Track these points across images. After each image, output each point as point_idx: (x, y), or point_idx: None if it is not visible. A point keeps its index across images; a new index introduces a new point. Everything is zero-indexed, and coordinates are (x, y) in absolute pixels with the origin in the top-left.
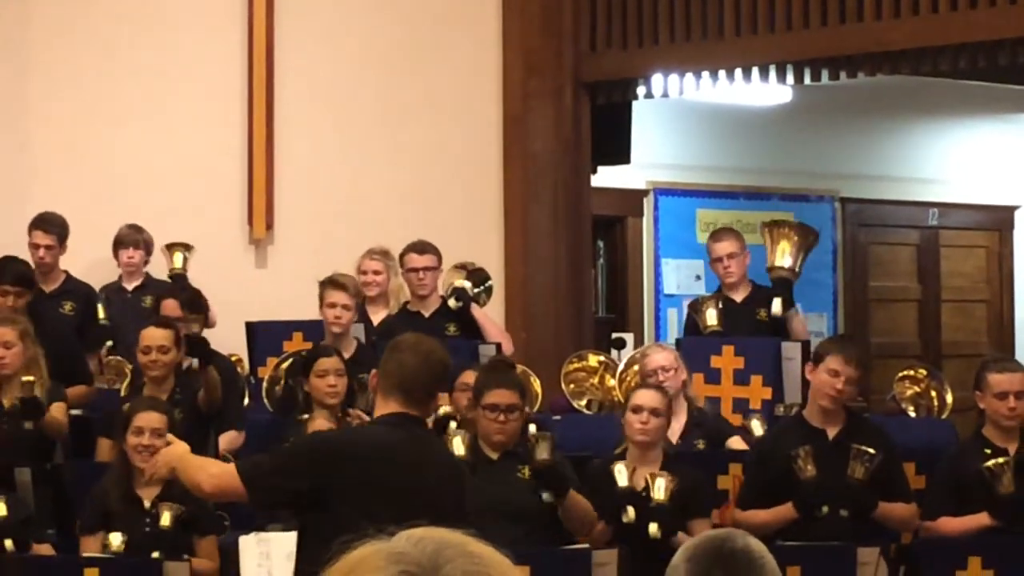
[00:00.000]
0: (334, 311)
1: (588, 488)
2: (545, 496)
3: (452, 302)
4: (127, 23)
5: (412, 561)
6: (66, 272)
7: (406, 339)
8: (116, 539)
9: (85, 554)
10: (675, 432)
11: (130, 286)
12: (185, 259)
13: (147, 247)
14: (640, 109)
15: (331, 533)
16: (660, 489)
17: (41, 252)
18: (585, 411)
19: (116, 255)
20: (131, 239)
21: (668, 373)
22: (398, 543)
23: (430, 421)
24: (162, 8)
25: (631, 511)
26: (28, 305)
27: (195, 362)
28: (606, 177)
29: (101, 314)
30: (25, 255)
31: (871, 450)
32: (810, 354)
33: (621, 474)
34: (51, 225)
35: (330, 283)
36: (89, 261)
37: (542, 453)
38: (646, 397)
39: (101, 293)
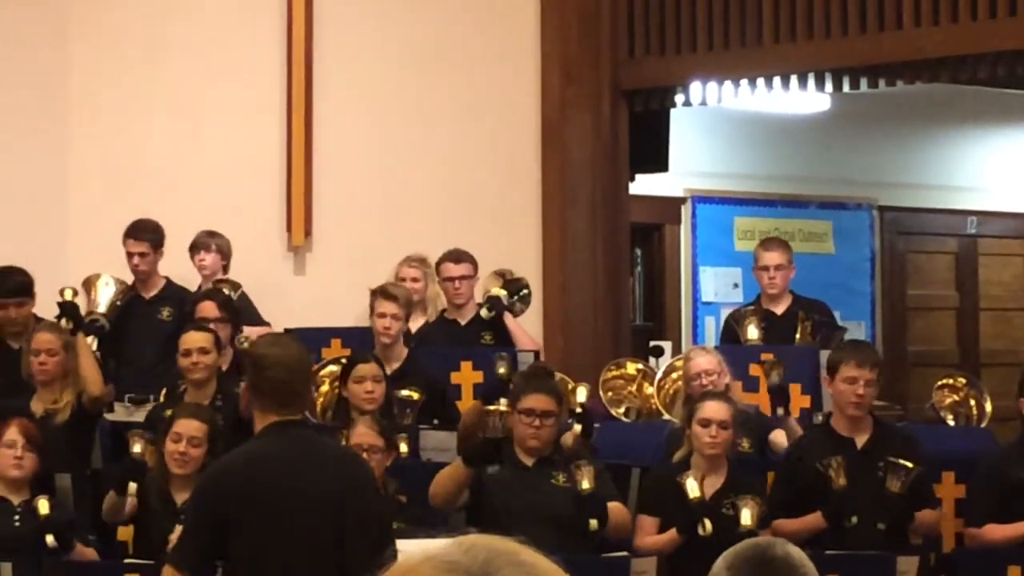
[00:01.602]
0: (383, 321)
1: (651, 498)
2: (592, 524)
3: (484, 311)
4: (166, 29)
5: (463, 569)
6: (166, 278)
7: (268, 355)
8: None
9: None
10: None
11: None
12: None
13: (220, 251)
14: (678, 116)
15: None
16: (749, 517)
17: (136, 260)
18: (623, 419)
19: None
20: (203, 243)
21: (711, 377)
22: (449, 551)
23: None
24: (201, 14)
25: (708, 524)
26: (124, 310)
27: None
28: (644, 185)
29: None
30: (65, 258)
31: (908, 464)
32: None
33: (693, 486)
34: (143, 232)
35: (381, 293)
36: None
37: (585, 482)
38: (714, 410)
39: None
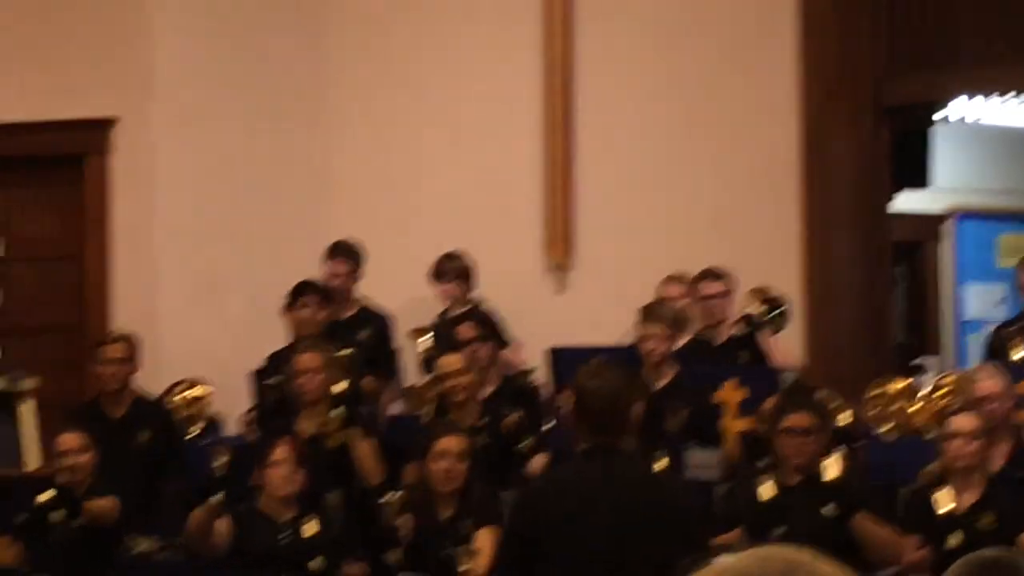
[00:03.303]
0: (650, 341)
1: (909, 515)
2: (828, 510)
3: (739, 329)
4: (423, 51)
5: None
6: (361, 300)
7: (588, 385)
8: (395, 554)
9: None
10: (999, 457)
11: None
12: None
13: (459, 275)
14: (940, 132)
15: None
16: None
17: (337, 279)
18: (887, 437)
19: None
20: (441, 272)
21: (994, 404)
22: (746, 563)
23: None
24: (458, 34)
25: (956, 538)
26: (324, 332)
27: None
28: (906, 202)
29: (427, 344)
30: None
31: None
32: None
33: (943, 500)
34: (346, 252)
35: (644, 314)
36: (388, 288)
37: (832, 471)
38: (962, 422)
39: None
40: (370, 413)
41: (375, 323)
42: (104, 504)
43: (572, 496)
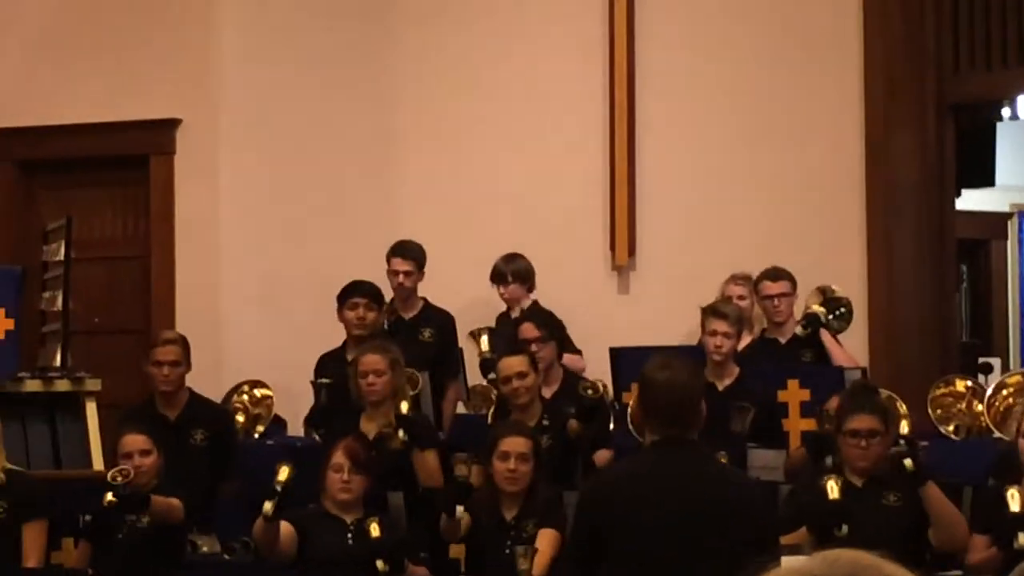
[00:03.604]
0: (715, 339)
1: (980, 514)
2: (907, 463)
3: (799, 329)
4: (489, 53)
5: None
6: (424, 299)
7: (658, 378)
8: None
9: None
10: None
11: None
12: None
13: (519, 277)
14: (1004, 130)
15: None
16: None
17: (400, 278)
18: (952, 437)
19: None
20: (499, 274)
21: None
22: (814, 564)
23: None
24: (523, 37)
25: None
26: (387, 331)
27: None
28: (969, 200)
29: (485, 346)
30: (386, 280)
31: None
32: None
33: (1014, 498)
34: (409, 251)
35: (711, 311)
36: (451, 289)
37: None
38: None
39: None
40: (434, 411)
41: (439, 322)
42: (171, 501)
43: (642, 488)
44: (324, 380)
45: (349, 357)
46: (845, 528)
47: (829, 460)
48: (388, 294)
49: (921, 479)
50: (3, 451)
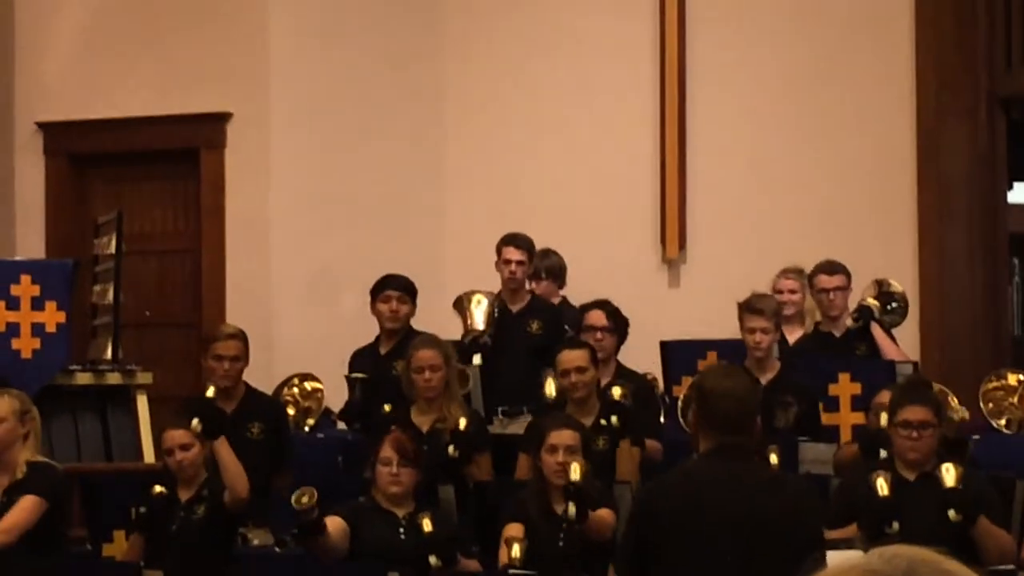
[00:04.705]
0: (754, 336)
1: None
2: (951, 515)
3: (850, 321)
4: (539, 47)
5: None
6: (532, 292)
7: (718, 387)
8: (516, 550)
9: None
10: None
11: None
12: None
13: (552, 273)
14: None
15: None
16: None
17: (512, 267)
18: (1004, 430)
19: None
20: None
21: None
22: (872, 560)
23: None
24: (574, 31)
25: None
26: (495, 324)
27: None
28: (1022, 193)
29: (479, 323)
30: (443, 274)
31: None
32: None
33: None
34: (523, 242)
35: (747, 307)
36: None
37: (949, 480)
38: None
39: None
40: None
41: (548, 315)
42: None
43: (699, 495)
44: (358, 375)
45: (383, 351)
46: (896, 525)
47: (884, 453)
48: (474, 284)
49: (972, 519)
50: (36, 445)
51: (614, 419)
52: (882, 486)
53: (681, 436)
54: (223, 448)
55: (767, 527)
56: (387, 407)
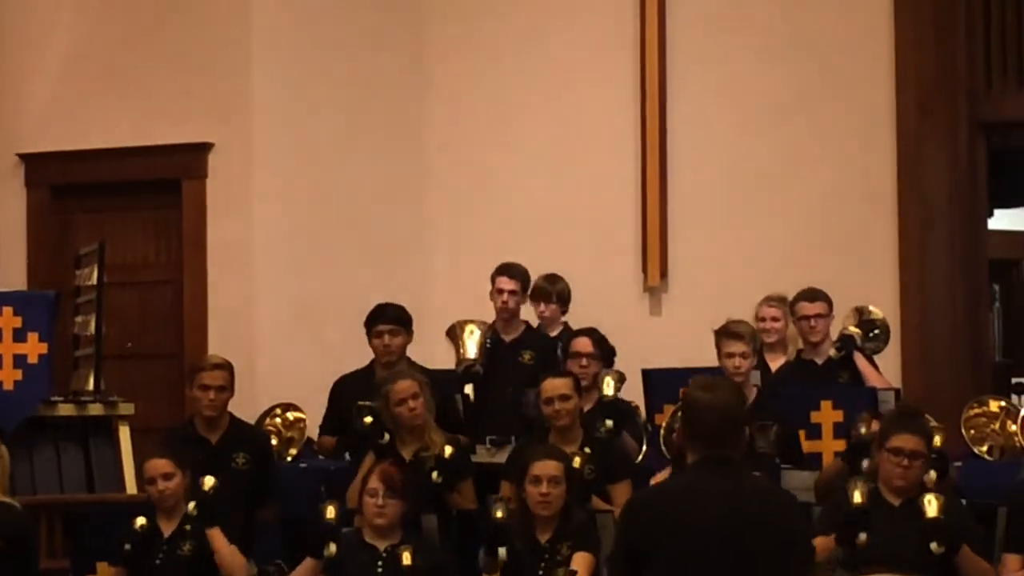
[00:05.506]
0: (733, 361)
1: (1011, 534)
2: (933, 547)
3: (833, 351)
4: (521, 74)
5: None
6: (527, 322)
7: (701, 399)
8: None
9: None
10: None
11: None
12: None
13: (561, 298)
14: None
15: None
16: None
17: (505, 296)
18: (986, 457)
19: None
20: (543, 292)
21: None
22: None
23: None
24: (555, 57)
25: None
26: (488, 354)
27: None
28: (1002, 220)
29: (471, 351)
30: (429, 305)
31: None
32: None
33: None
34: (516, 271)
35: (724, 332)
36: (485, 310)
37: (931, 511)
38: None
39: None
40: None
41: (541, 346)
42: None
43: (688, 504)
44: (367, 403)
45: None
46: (863, 536)
47: (865, 463)
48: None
49: (955, 550)
50: (3, 484)
51: (609, 423)
52: (856, 494)
53: (662, 465)
54: (218, 538)
55: (757, 537)
56: (387, 436)
